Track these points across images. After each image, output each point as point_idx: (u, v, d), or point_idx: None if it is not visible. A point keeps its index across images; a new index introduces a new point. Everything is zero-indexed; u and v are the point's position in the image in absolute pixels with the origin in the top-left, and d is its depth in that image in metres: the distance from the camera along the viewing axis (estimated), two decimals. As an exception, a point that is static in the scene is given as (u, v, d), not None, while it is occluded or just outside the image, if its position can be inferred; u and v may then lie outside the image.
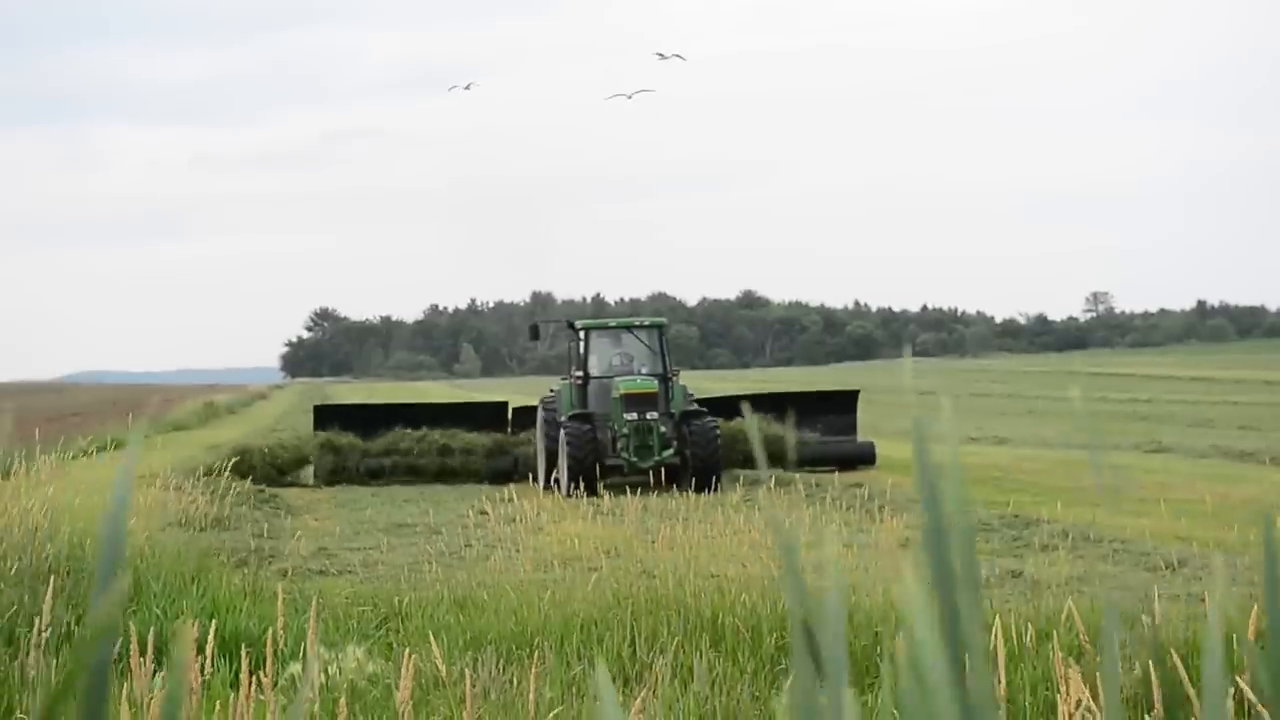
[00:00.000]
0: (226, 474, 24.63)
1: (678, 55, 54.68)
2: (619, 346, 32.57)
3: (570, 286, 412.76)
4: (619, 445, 30.08)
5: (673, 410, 30.85)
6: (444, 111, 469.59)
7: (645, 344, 32.33)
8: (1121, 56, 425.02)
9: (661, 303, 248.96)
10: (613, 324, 33.84)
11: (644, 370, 31.64)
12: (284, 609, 7.31)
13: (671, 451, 30.19)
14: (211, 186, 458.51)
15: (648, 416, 30.21)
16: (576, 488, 27.57)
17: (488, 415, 36.53)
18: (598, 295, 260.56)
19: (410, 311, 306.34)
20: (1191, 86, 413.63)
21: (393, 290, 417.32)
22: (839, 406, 35.82)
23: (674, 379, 31.63)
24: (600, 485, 28.66)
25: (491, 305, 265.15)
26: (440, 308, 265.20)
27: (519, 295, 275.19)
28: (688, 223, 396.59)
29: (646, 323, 33.28)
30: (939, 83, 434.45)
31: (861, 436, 35.54)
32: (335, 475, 33.45)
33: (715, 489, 27.56)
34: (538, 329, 36.38)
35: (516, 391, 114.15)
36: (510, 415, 36.46)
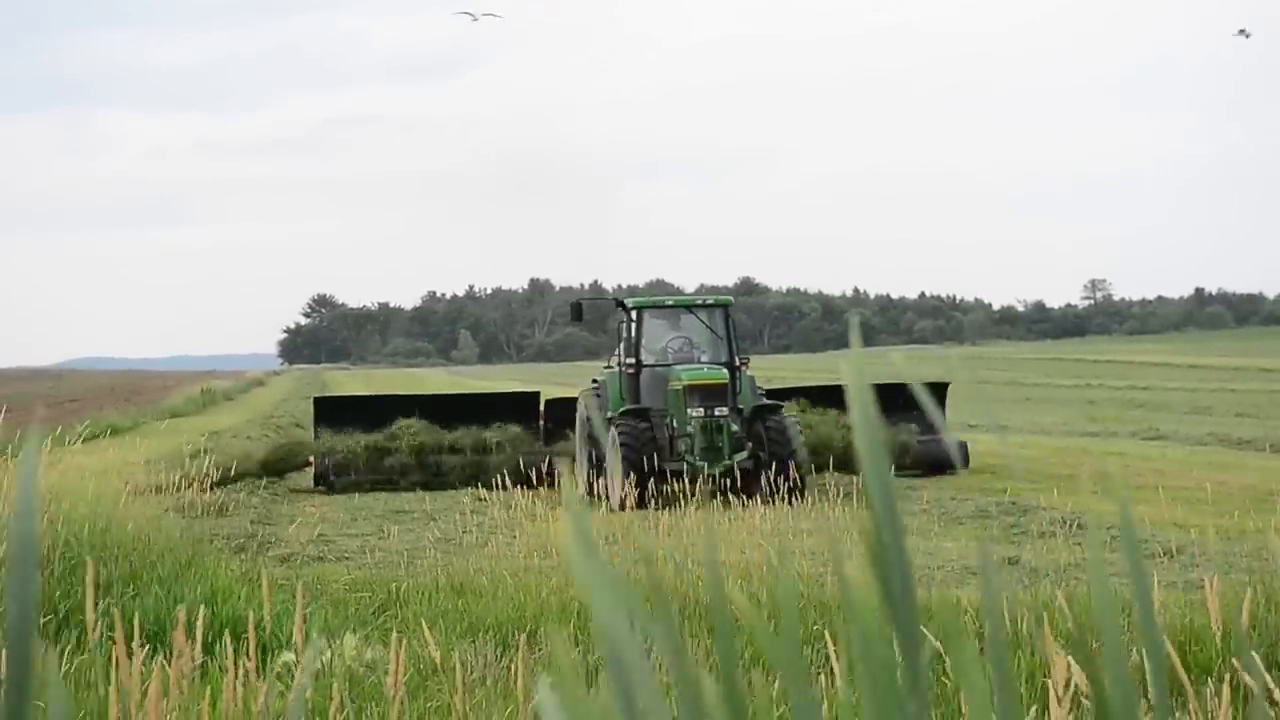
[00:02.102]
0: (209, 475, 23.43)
1: (491, 14, 51.43)
2: (677, 330, 28.11)
3: (568, 273, 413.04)
4: (680, 446, 25.78)
5: (741, 405, 26.46)
6: (444, 98, 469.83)
7: (708, 326, 27.84)
8: (1120, 43, 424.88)
9: (660, 290, 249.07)
10: (670, 303, 28.99)
11: (705, 357, 27.42)
12: (270, 594, 7.29)
13: (745, 454, 25.70)
14: (212, 172, 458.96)
15: (716, 412, 25.84)
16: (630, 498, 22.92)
17: (514, 407, 31.70)
18: (595, 282, 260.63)
19: (408, 298, 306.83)
20: (1191, 74, 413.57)
21: (390, 277, 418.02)
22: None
23: (743, 368, 27.29)
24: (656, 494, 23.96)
25: (489, 292, 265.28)
26: (438, 294, 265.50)
27: (517, 282, 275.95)
28: (686, 209, 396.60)
29: (710, 301, 28.50)
30: (938, 69, 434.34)
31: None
32: (340, 479, 29.27)
33: (800, 498, 22.72)
34: (581, 308, 30.59)
35: (514, 377, 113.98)
36: (543, 408, 31.83)
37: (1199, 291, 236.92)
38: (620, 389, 27.11)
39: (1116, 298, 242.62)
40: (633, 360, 27.13)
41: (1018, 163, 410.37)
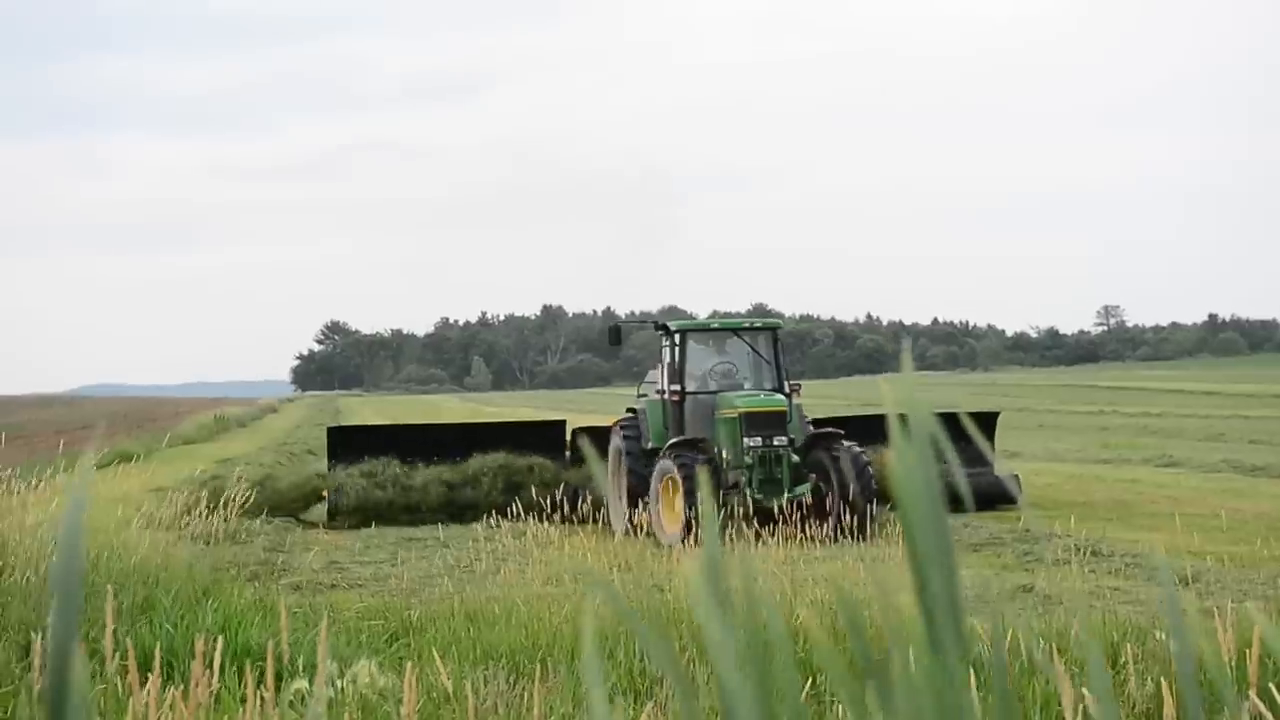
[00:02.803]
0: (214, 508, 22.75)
1: None
2: (722, 354, 26.48)
3: (580, 300, 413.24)
4: (733, 479, 24.12)
5: (790, 434, 24.71)
6: (455, 122, 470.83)
7: (755, 351, 26.32)
8: (1134, 65, 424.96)
9: (673, 316, 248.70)
10: (716, 326, 26.86)
11: (749, 384, 25.93)
12: (287, 623, 7.29)
13: (806, 487, 24.01)
14: (224, 197, 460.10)
15: (775, 442, 24.29)
16: (689, 533, 22.01)
17: (538, 438, 29.78)
18: (608, 309, 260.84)
19: (421, 324, 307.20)
20: (1205, 98, 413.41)
21: (403, 303, 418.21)
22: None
23: (794, 395, 25.68)
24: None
25: (502, 318, 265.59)
26: (451, 321, 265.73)
27: (529, 308, 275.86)
28: (700, 235, 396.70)
29: (758, 324, 26.89)
30: (952, 90, 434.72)
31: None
32: (361, 512, 27.34)
33: (871, 531, 22.46)
34: (619, 331, 28.28)
35: (527, 404, 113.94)
36: (570, 437, 29.73)
37: (1212, 318, 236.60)
38: (663, 418, 25.58)
39: (1130, 324, 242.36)
40: (678, 387, 25.53)
41: (1032, 187, 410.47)
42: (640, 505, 24.24)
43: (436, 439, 29.77)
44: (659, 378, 29.39)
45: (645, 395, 26.96)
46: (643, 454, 25.20)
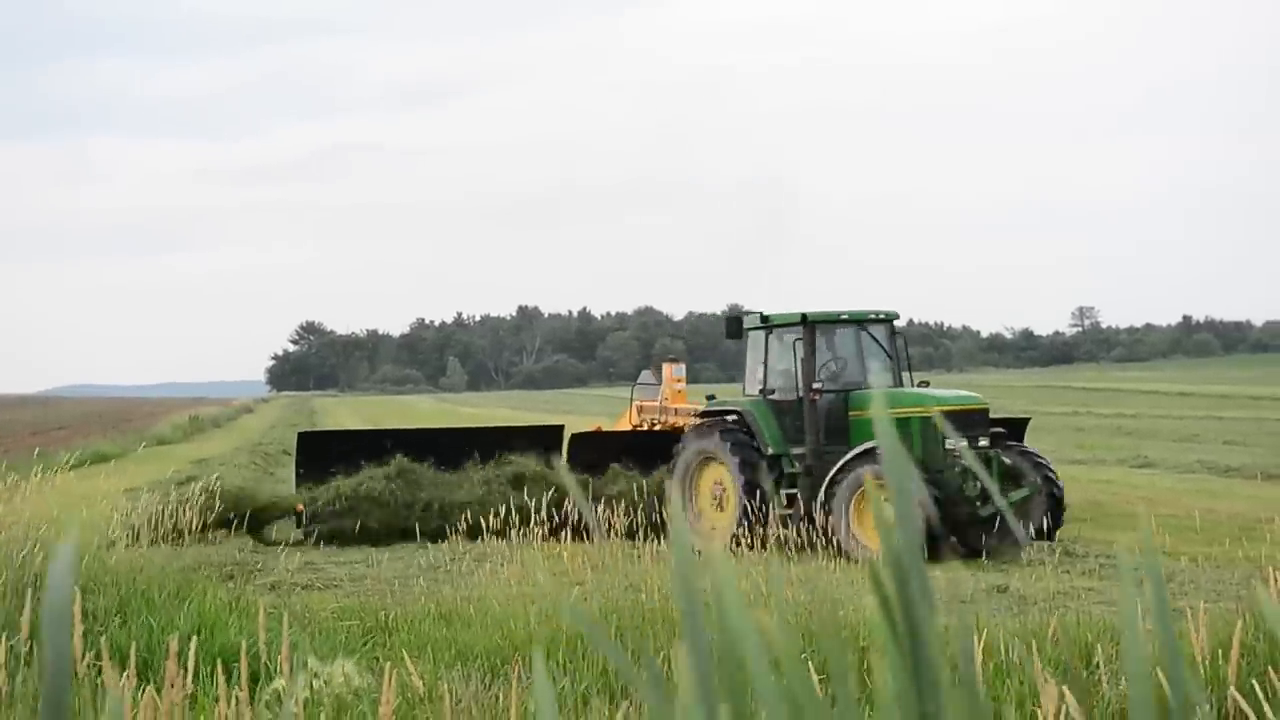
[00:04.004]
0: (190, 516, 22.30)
1: None
2: (833, 349, 24.01)
3: (556, 300, 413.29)
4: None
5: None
6: (436, 127, 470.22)
7: (879, 343, 24.03)
8: (1107, 75, 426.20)
9: (648, 317, 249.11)
10: (845, 316, 23.92)
11: (874, 380, 23.76)
12: (265, 622, 7.29)
13: (1025, 491, 22.27)
14: (200, 200, 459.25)
15: (980, 443, 22.14)
16: (932, 553, 19.09)
17: (533, 443, 27.43)
18: (584, 309, 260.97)
19: (396, 325, 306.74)
20: (1179, 103, 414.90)
21: (379, 304, 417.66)
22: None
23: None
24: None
25: (478, 319, 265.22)
26: (426, 321, 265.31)
27: (505, 309, 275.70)
28: (674, 236, 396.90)
29: (881, 315, 24.13)
30: (929, 97, 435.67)
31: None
32: (325, 526, 24.65)
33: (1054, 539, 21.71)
34: (740, 323, 24.77)
35: (502, 405, 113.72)
36: (566, 443, 27.75)
37: (1187, 319, 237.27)
38: (777, 421, 23.30)
39: (1104, 325, 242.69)
40: (819, 385, 23.09)
41: (1006, 190, 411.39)
42: (754, 517, 21.86)
43: (419, 444, 27.20)
44: (649, 379, 29.21)
45: (714, 396, 25.02)
46: (762, 462, 22.86)
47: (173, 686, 5.72)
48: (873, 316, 23.92)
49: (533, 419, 49.93)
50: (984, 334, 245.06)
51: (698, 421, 24.49)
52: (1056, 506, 22.32)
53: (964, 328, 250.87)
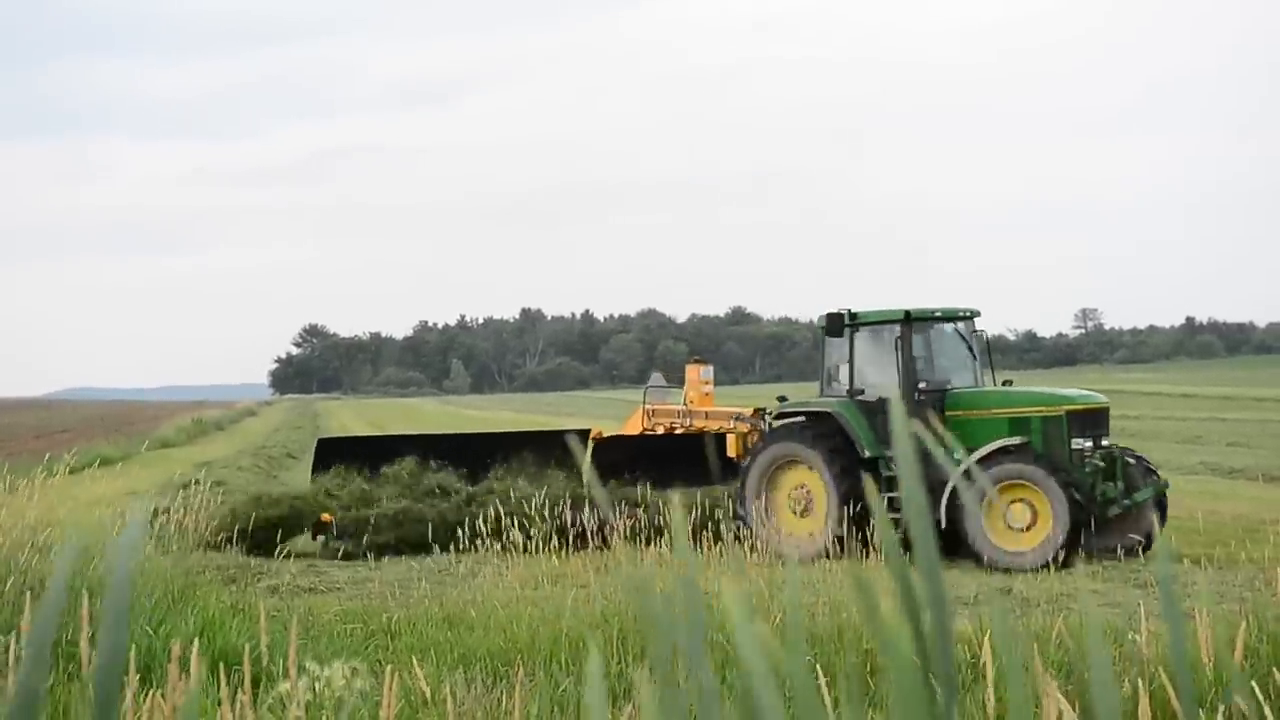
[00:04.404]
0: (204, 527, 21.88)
1: None
2: (927, 346, 23.22)
3: (559, 303, 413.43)
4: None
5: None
6: (437, 127, 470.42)
7: (966, 341, 23.57)
8: (1110, 74, 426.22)
9: (652, 319, 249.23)
10: (939, 313, 23.20)
11: (956, 379, 23.04)
12: (267, 626, 7.28)
13: (1149, 490, 21.66)
14: (203, 201, 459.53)
15: (1104, 443, 21.84)
16: (1072, 549, 20.06)
17: (553, 448, 26.16)
18: (587, 311, 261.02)
19: (399, 328, 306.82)
20: (1181, 100, 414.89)
21: (382, 306, 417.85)
22: None
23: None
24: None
25: (481, 321, 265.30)
26: (430, 324, 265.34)
27: (508, 311, 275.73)
28: (678, 238, 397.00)
29: (967, 312, 23.62)
30: (930, 96, 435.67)
31: None
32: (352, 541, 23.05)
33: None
34: (843, 320, 23.31)
35: (505, 408, 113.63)
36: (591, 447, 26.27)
37: (1190, 320, 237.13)
38: (870, 422, 22.40)
39: (1107, 327, 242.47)
40: (924, 384, 22.44)
41: (1007, 190, 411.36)
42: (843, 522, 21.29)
43: (442, 449, 26.35)
44: (659, 381, 28.48)
45: (785, 398, 24.36)
46: (858, 465, 22.00)
47: (175, 690, 5.72)
48: (962, 314, 23.46)
49: (540, 423, 49.71)
50: (987, 335, 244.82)
51: (777, 424, 23.45)
52: (1162, 507, 21.95)
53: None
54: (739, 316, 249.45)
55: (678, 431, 27.24)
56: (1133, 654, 10.79)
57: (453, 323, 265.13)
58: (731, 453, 25.43)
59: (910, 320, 22.60)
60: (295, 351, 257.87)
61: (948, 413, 22.18)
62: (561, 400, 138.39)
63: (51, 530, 14.92)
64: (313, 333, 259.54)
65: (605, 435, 27.90)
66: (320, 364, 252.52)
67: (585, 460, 1.87)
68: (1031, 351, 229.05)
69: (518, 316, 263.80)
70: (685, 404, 27.69)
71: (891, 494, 20.83)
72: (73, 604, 12.18)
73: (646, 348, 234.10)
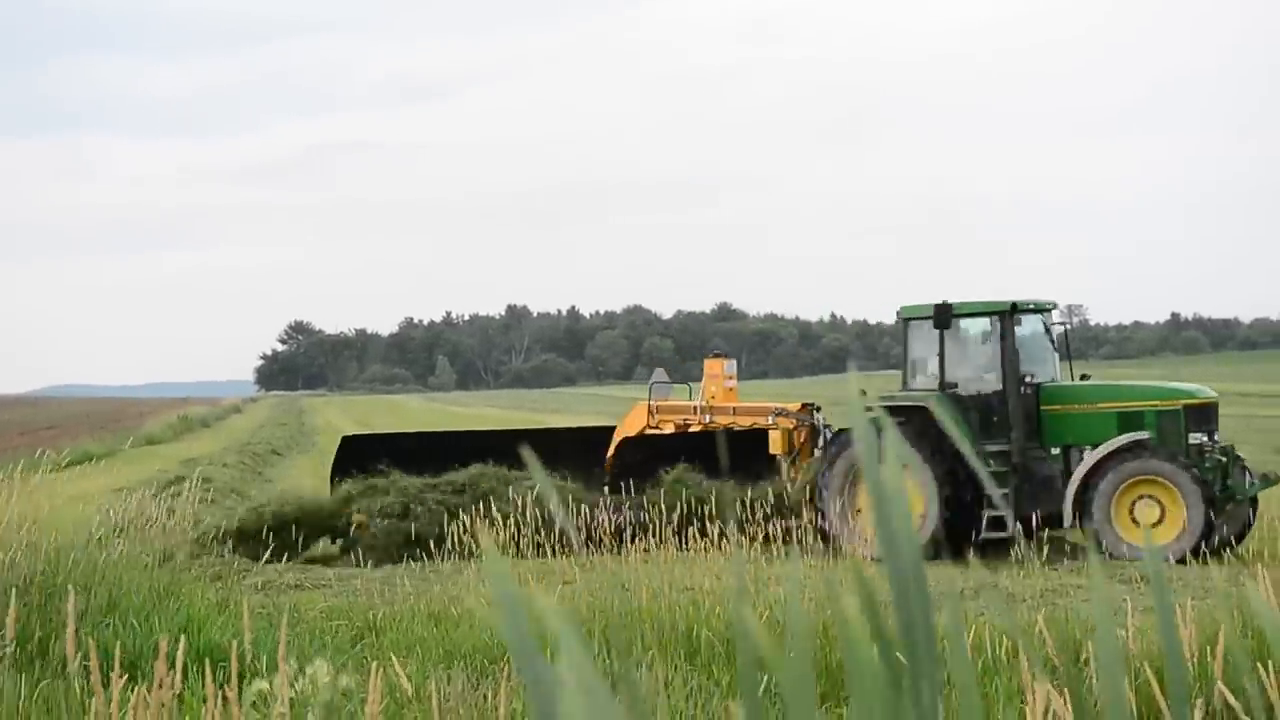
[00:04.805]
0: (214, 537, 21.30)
1: None
2: (984, 342, 22.72)
3: (545, 299, 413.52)
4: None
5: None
6: (425, 126, 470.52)
7: (1050, 334, 22.95)
8: (1097, 75, 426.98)
9: (638, 315, 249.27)
10: (1031, 306, 22.61)
11: (1038, 373, 22.30)
12: (251, 623, 7.28)
13: (1258, 485, 21.63)
14: (191, 199, 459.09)
15: (1215, 437, 21.70)
16: (1205, 541, 19.78)
17: (586, 445, 25.56)
18: (573, 308, 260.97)
19: (385, 324, 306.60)
20: (1168, 104, 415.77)
21: (367, 303, 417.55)
22: None
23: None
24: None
25: (467, 318, 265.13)
26: (415, 321, 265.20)
27: (494, 308, 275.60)
28: (664, 235, 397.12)
29: (1049, 305, 23.08)
30: (918, 94, 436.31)
31: None
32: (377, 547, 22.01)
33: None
34: (950, 310, 22.34)
35: (491, 404, 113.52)
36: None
37: (1175, 316, 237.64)
38: (964, 417, 21.79)
39: (1093, 323, 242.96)
40: (1029, 376, 22.04)
41: (995, 189, 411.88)
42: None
43: (476, 447, 25.05)
44: (663, 377, 27.43)
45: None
46: (959, 463, 21.37)
47: (160, 686, 5.72)
48: (1049, 306, 23.03)
49: (527, 420, 49.67)
50: (1066, 328, 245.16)
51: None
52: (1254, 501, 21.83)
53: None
54: (725, 313, 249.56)
55: (693, 429, 26.23)
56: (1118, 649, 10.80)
57: (438, 319, 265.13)
58: (776, 449, 24.53)
59: (1015, 312, 22.21)
60: (281, 348, 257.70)
61: (1043, 407, 21.92)
62: (547, 397, 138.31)
63: (36, 527, 14.87)
64: (299, 329, 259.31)
65: (634, 433, 26.54)
66: (306, 361, 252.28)
67: (537, 470, 1.74)
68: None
69: (503, 313, 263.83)
70: (703, 400, 26.66)
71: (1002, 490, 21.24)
72: (53, 600, 12.17)
73: (632, 344, 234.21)
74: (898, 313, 23.62)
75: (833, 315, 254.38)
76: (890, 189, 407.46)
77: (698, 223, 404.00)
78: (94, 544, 15.61)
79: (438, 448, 25.31)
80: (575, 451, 24.86)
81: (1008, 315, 22.16)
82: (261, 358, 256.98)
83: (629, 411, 27.76)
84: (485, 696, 10.41)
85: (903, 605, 1.48)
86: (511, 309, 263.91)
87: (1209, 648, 9.26)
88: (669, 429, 26.48)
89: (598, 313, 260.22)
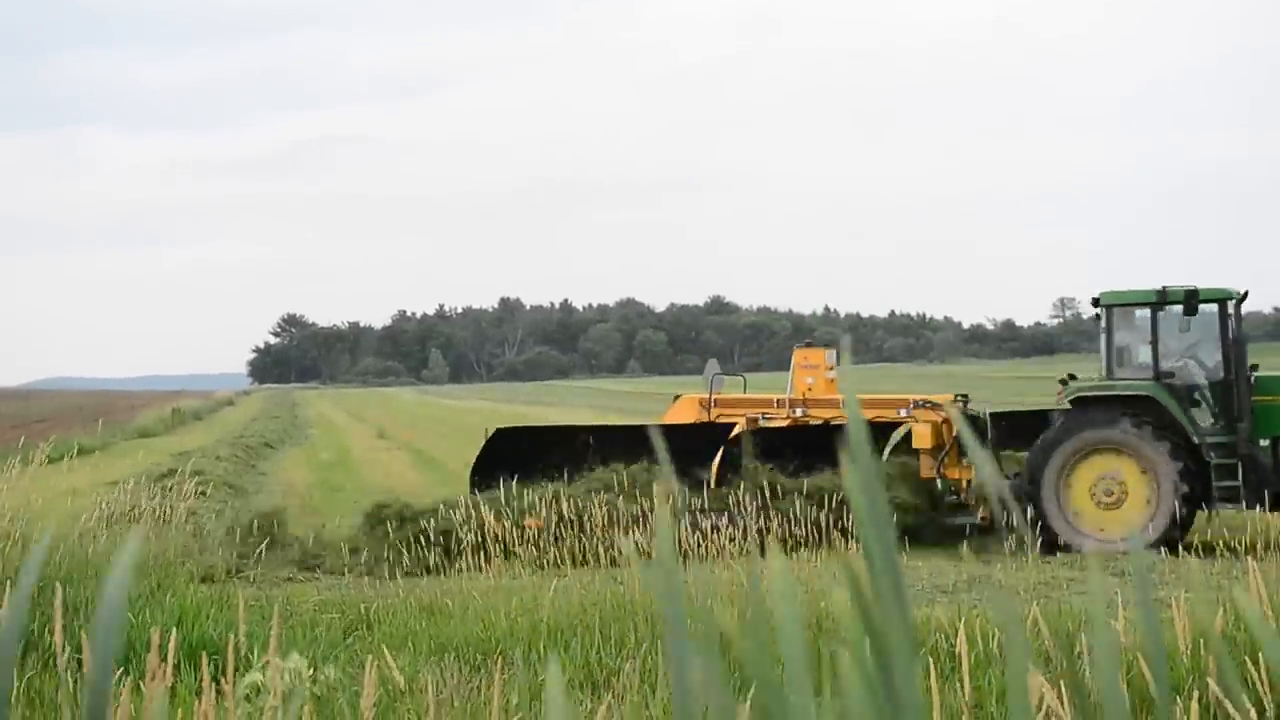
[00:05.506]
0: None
1: None
2: (1196, 330, 21.97)
3: (538, 292, 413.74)
4: None
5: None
6: (420, 120, 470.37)
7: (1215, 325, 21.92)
8: (1087, 67, 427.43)
9: (630, 308, 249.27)
10: (1218, 295, 21.78)
11: (1210, 366, 21.67)
12: (245, 615, 7.27)
13: None
14: (183, 192, 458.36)
15: None
16: None
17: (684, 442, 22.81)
18: (565, 301, 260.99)
19: (378, 317, 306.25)
20: (1157, 96, 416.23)
21: (360, 296, 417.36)
22: None
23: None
24: None
25: (460, 311, 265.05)
26: (408, 313, 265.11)
27: (487, 301, 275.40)
28: (656, 228, 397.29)
29: (1217, 293, 22.02)
30: (908, 88, 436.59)
31: None
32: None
33: None
34: (1197, 296, 21.67)
35: (483, 397, 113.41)
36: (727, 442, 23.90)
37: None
38: (1181, 406, 21.23)
39: (1086, 316, 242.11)
40: (1255, 363, 21.67)
41: (988, 181, 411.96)
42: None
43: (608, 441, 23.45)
44: (715, 368, 26.34)
45: (1087, 379, 22.79)
46: (1195, 455, 20.91)
47: (154, 679, 5.70)
48: (1235, 295, 21.97)
49: (521, 414, 49.70)
50: (966, 325, 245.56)
51: (1067, 408, 21.85)
52: None
53: (945, 318, 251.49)
54: (718, 306, 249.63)
55: (779, 424, 24.85)
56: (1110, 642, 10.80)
57: (431, 312, 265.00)
58: (924, 444, 23.78)
59: (1242, 300, 21.56)
60: (273, 341, 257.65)
61: (1254, 398, 21.22)
62: (540, 390, 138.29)
63: (27, 520, 14.86)
64: (291, 322, 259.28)
65: (761, 426, 24.68)
66: (298, 353, 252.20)
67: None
68: (1010, 340, 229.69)
69: (496, 306, 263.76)
70: (792, 392, 25.67)
71: (1230, 483, 20.80)
72: (45, 593, 12.15)
73: (625, 337, 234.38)
74: (1095, 299, 22.95)
75: (826, 309, 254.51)
76: (886, 185, 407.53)
77: (690, 216, 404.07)
78: (85, 536, 15.60)
79: (572, 444, 23.57)
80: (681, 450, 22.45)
81: (1236, 303, 21.56)
82: (254, 350, 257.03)
83: (672, 404, 26.43)
84: (478, 689, 10.41)
85: (882, 596, 1.47)
86: (504, 302, 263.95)
87: (1202, 642, 9.27)
88: (742, 424, 24.70)
89: (590, 306, 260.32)
